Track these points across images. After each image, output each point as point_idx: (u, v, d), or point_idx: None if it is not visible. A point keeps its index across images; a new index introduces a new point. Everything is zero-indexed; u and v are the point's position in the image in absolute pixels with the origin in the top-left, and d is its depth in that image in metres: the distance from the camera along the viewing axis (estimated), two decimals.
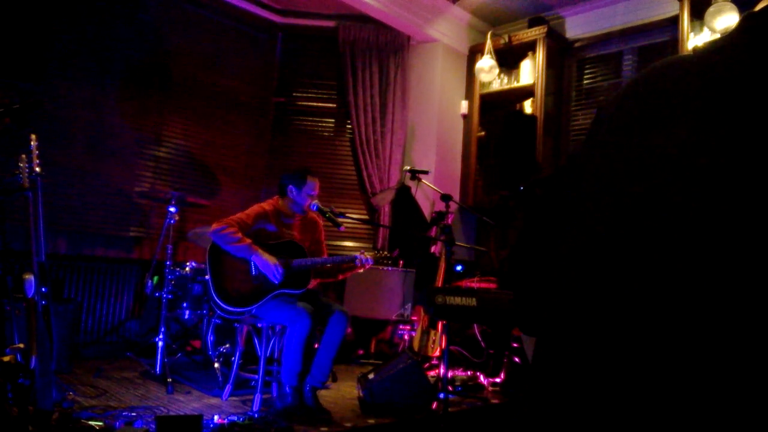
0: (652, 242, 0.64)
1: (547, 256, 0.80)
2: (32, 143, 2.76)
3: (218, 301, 3.37)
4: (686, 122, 0.66)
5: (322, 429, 3.00)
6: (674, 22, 4.59)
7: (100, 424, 2.70)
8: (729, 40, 0.70)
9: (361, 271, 3.72)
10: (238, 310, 3.39)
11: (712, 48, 0.71)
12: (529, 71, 5.40)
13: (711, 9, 4.12)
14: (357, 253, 3.55)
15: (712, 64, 0.69)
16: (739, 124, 0.62)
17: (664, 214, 0.63)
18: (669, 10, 4.78)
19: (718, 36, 4.21)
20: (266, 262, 3.37)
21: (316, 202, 3.63)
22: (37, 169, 2.71)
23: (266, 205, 3.63)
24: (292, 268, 3.45)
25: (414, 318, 4.87)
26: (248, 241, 3.38)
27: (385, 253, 3.62)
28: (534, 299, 0.85)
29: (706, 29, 4.31)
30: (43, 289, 2.61)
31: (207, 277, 3.45)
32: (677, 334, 0.60)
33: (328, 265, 3.68)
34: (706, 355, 0.58)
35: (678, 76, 0.72)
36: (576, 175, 0.79)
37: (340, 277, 3.85)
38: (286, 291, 3.43)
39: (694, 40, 4.41)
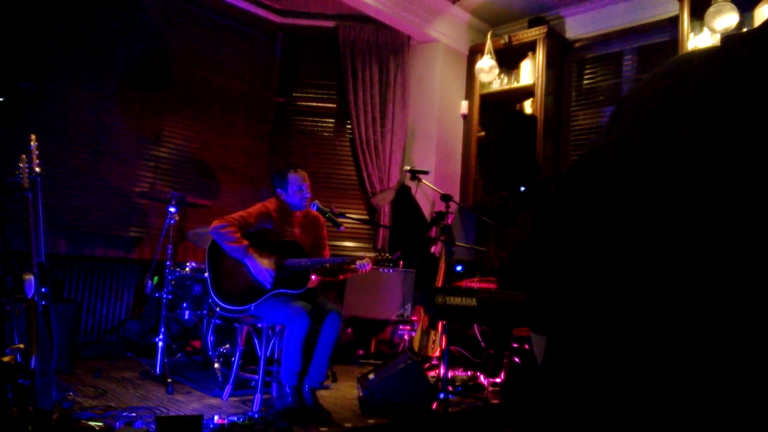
0: (671, 238, 0.63)
1: (562, 253, 0.80)
2: (32, 143, 2.76)
3: (216, 299, 3.38)
4: (708, 117, 0.65)
5: (322, 429, 3.00)
6: (674, 22, 4.59)
7: (100, 424, 2.70)
8: (759, 32, 0.68)
9: (361, 273, 3.71)
10: (236, 308, 3.39)
11: (739, 40, 0.69)
12: (529, 71, 5.40)
13: (711, 9, 4.12)
14: (356, 259, 3.51)
15: (736, 58, 0.67)
16: (763, 119, 0.61)
17: (684, 210, 0.62)
18: (669, 11, 4.78)
19: (717, 37, 4.21)
20: (259, 266, 3.37)
21: (316, 201, 3.63)
22: (37, 169, 2.71)
23: (269, 204, 3.64)
24: (286, 268, 3.45)
25: (414, 318, 4.87)
26: (245, 243, 3.38)
27: (387, 255, 3.62)
28: (546, 297, 0.84)
29: (706, 29, 4.31)
30: (43, 290, 2.61)
31: (206, 275, 3.45)
32: (699, 332, 0.59)
33: (327, 266, 3.68)
34: (729, 355, 0.57)
35: (705, 69, 0.70)
36: (594, 170, 0.78)
37: (341, 277, 3.85)
38: (284, 291, 3.43)
39: (694, 40, 4.40)
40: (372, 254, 3.59)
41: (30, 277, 2.55)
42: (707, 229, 0.60)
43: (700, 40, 4.40)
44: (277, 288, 3.42)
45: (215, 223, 3.39)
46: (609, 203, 0.72)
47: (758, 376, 0.56)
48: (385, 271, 3.62)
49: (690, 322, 0.59)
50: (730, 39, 0.71)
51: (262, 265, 3.37)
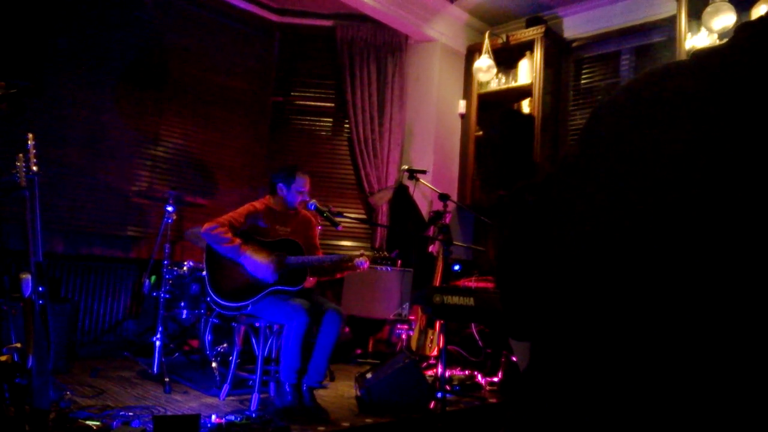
0: (657, 243, 0.64)
1: (541, 260, 0.80)
2: (29, 142, 2.76)
3: (214, 296, 3.39)
4: (691, 123, 0.66)
5: (320, 428, 3.00)
6: (672, 22, 4.59)
7: (98, 423, 2.70)
8: (727, 46, 0.71)
9: (359, 271, 3.73)
10: (234, 304, 3.41)
11: (710, 53, 0.72)
12: (527, 71, 5.40)
13: (708, 9, 4.13)
14: (355, 254, 3.57)
15: (715, 67, 0.69)
16: (742, 124, 0.62)
17: (669, 214, 0.64)
18: (666, 10, 4.79)
19: (715, 37, 4.23)
20: (256, 262, 3.39)
21: (313, 201, 3.64)
22: (34, 168, 2.70)
23: (258, 204, 3.66)
24: (287, 265, 3.46)
25: (412, 317, 4.87)
26: (238, 241, 3.40)
27: (384, 253, 3.64)
28: (527, 303, 0.84)
29: (703, 29, 4.32)
30: (40, 289, 2.61)
31: (204, 273, 3.47)
32: (684, 336, 0.60)
33: (326, 264, 3.69)
34: (712, 357, 0.58)
35: (679, 79, 0.72)
36: (572, 177, 0.79)
37: (338, 275, 3.86)
38: (281, 288, 3.44)
39: (692, 40, 4.41)
40: (369, 253, 3.60)
41: (27, 277, 2.54)
42: (696, 234, 0.61)
43: (697, 39, 4.40)
44: (275, 285, 3.43)
45: (206, 226, 3.42)
46: (594, 209, 0.72)
47: (735, 399, 0.57)
48: (383, 269, 3.65)
49: (682, 325, 0.60)
50: (708, 49, 0.73)
51: (260, 260, 3.39)
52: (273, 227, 3.63)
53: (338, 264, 3.67)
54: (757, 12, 4.10)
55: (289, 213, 3.71)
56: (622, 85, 0.80)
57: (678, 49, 4.41)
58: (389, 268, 3.70)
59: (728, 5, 4.06)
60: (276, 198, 3.69)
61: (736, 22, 4.08)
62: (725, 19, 4.06)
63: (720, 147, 0.63)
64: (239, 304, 3.41)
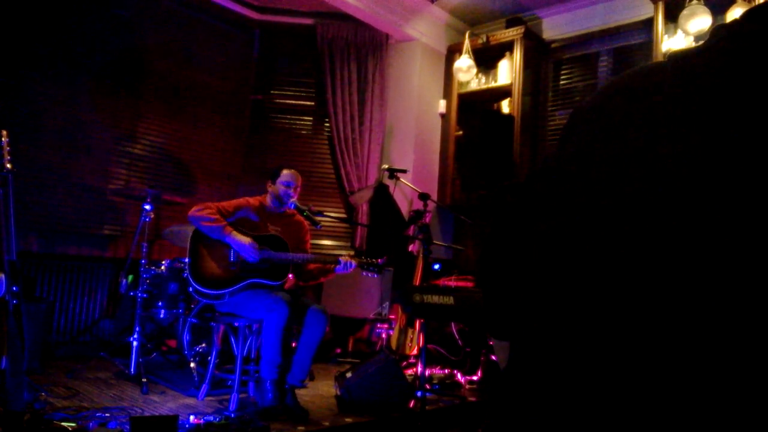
0: (637, 243, 0.64)
1: (523, 259, 0.81)
2: (3, 139, 2.71)
3: (193, 282, 3.38)
4: (668, 124, 0.67)
5: (300, 428, 2.99)
6: (649, 24, 4.67)
7: (73, 425, 2.66)
8: (702, 48, 0.72)
9: (342, 273, 3.71)
10: (212, 292, 3.39)
11: (686, 55, 0.73)
12: (507, 71, 5.44)
13: (685, 12, 4.19)
14: (341, 257, 3.55)
15: (692, 68, 0.70)
16: (721, 125, 0.63)
17: (648, 215, 0.64)
18: (644, 13, 4.85)
19: (691, 39, 4.30)
20: (240, 242, 3.39)
21: (293, 200, 3.62)
22: (8, 165, 2.66)
23: (252, 199, 3.69)
24: (272, 258, 3.45)
25: (392, 317, 4.87)
26: (223, 222, 3.42)
27: (373, 260, 3.61)
28: (508, 303, 0.85)
29: (679, 31, 4.39)
30: (15, 288, 2.56)
31: (186, 259, 3.47)
32: (673, 337, 0.60)
33: (309, 266, 3.68)
34: (703, 360, 0.59)
35: (655, 81, 0.73)
36: (553, 178, 0.79)
37: (322, 279, 3.84)
38: (262, 281, 3.44)
39: (668, 42, 4.47)
40: (356, 260, 3.57)
41: (1, 276, 2.50)
42: (678, 233, 0.62)
43: (674, 42, 4.47)
44: (256, 277, 3.42)
45: (193, 208, 3.43)
46: (577, 209, 0.73)
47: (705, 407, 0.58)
48: (368, 275, 3.63)
49: (672, 326, 0.61)
50: (686, 50, 0.74)
51: (243, 241, 3.39)
52: (264, 224, 3.63)
53: (323, 266, 3.65)
54: (731, 15, 4.17)
55: (280, 213, 3.70)
56: (600, 87, 0.81)
57: (655, 51, 4.47)
58: (375, 275, 3.66)
59: (704, 8, 4.13)
60: (269, 197, 3.69)
61: (712, 24, 4.14)
62: (701, 21, 4.13)
63: (697, 147, 0.64)
64: (218, 292, 3.40)
